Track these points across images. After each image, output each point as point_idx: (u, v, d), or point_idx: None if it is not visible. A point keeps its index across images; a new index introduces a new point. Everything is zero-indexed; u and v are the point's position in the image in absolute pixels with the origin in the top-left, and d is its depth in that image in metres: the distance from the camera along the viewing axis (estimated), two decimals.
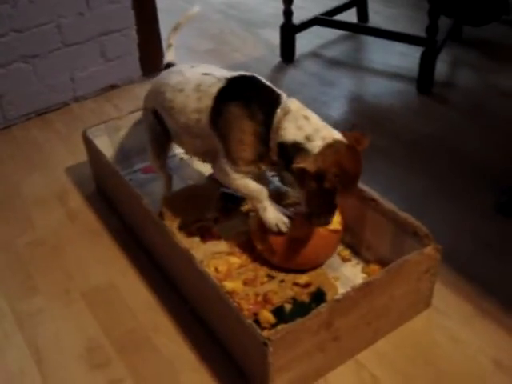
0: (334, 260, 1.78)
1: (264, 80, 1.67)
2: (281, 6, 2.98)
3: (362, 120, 2.58)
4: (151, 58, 2.94)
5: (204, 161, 1.91)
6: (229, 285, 1.65)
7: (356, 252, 1.81)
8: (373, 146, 1.60)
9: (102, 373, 1.54)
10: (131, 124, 2.21)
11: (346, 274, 1.74)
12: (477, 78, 2.86)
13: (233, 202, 1.95)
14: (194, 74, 1.75)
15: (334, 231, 1.70)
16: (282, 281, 1.70)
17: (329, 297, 1.64)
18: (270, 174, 1.92)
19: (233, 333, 1.49)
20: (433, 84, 2.71)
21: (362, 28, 3.25)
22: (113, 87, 2.88)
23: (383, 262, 1.67)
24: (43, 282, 1.83)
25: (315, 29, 3.15)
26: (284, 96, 1.62)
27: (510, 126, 2.43)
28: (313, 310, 1.37)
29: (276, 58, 3.12)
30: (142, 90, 2.78)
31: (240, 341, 1.46)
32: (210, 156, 1.75)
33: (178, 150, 2.25)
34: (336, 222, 1.68)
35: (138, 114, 2.19)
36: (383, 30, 2.99)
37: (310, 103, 1.62)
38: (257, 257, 1.77)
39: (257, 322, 1.54)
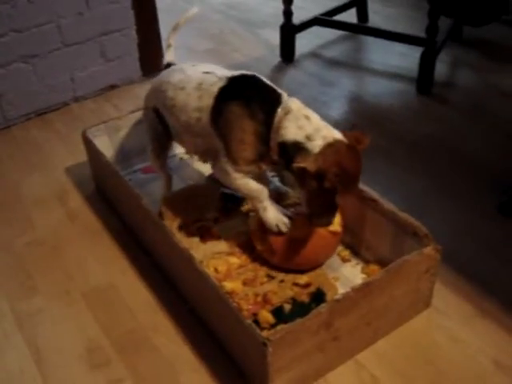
0: (334, 260, 1.78)
1: (265, 79, 1.67)
2: (281, 6, 2.98)
3: (361, 120, 2.58)
4: (151, 58, 2.94)
5: (204, 161, 1.91)
6: (228, 285, 1.65)
7: (356, 252, 1.81)
8: (373, 146, 1.60)
9: (101, 373, 1.54)
10: (131, 124, 2.21)
11: (346, 275, 1.74)
12: (477, 78, 2.86)
13: (233, 202, 1.95)
14: (196, 72, 1.75)
15: (334, 232, 1.69)
16: (282, 281, 1.70)
17: (328, 297, 1.64)
18: (270, 174, 1.92)
19: (232, 333, 1.49)
20: (433, 84, 2.71)
21: (361, 28, 3.26)
22: (113, 87, 2.88)
23: (383, 263, 1.66)
24: (43, 282, 1.83)
25: (315, 29, 3.15)
26: (285, 95, 1.62)
27: (510, 126, 2.43)
28: (312, 310, 1.37)
29: (276, 58, 3.12)
30: (141, 90, 2.78)
31: (239, 341, 1.46)
32: (211, 155, 1.75)
33: (177, 150, 2.25)
34: (336, 223, 1.68)
35: (138, 114, 2.19)
36: (383, 30, 3.00)
37: (309, 103, 1.62)
38: (256, 257, 1.77)
39: (256, 322, 1.54)
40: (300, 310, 1.59)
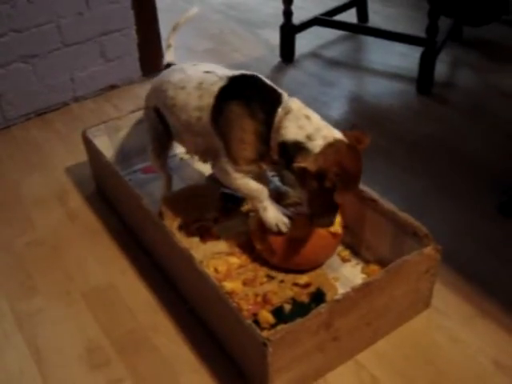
0: (334, 260, 1.78)
1: (265, 79, 1.67)
2: (280, 6, 2.98)
3: (361, 120, 2.58)
4: (151, 58, 2.94)
5: (204, 160, 1.91)
6: (228, 285, 1.65)
7: (356, 252, 1.81)
8: (373, 146, 1.60)
9: (101, 373, 1.54)
10: (131, 124, 2.21)
11: (346, 275, 1.74)
12: (477, 78, 2.86)
13: (233, 202, 1.95)
14: (196, 72, 1.75)
15: (335, 234, 1.69)
16: (282, 281, 1.70)
17: (328, 297, 1.64)
18: (270, 173, 1.92)
19: (232, 333, 1.49)
20: (433, 84, 2.71)
21: (361, 28, 3.25)
22: (112, 87, 2.88)
23: (383, 263, 1.67)
24: (43, 282, 1.83)
25: (315, 29, 3.15)
26: (285, 95, 1.62)
27: (510, 127, 2.43)
28: (312, 311, 1.37)
29: (276, 58, 3.12)
30: (141, 90, 2.78)
31: (239, 341, 1.46)
32: (211, 155, 1.74)
33: (178, 150, 2.25)
34: (337, 224, 1.68)
35: (138, 114, 2.19)
36: (383, 30, 2.99)
37: (309, 103, 1.62)
38: (256, 257, 1.77)
39: (256, 322, 1.54)
40: (300, 310, 1.59)
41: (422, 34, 2.64)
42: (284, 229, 1.66)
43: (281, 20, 3.02)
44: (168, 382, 1.51)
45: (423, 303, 1.64)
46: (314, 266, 1.74)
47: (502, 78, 2.81)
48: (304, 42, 3.18)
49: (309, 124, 1.54)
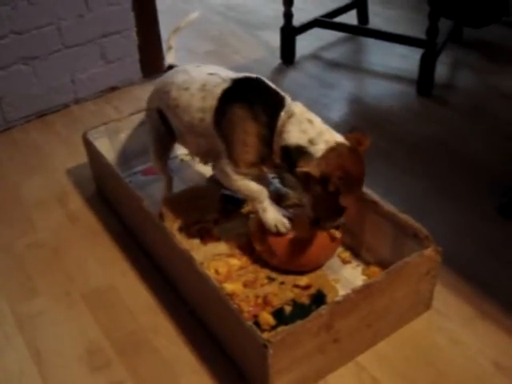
0: (334, 262, 1.78)
1: (269, 82, 1.66)
2: (281, 8, 2.98)
3: (362, 122, 2.58)
4: (151, 60, 2.94)
5: (205, 162, 1.91)
6: (229, 287, 1.65)
7: (356, 254, 1.81)
8: (373, 148, 1.60)
9: (102, 375, 1.54)
10: (131, 126, 2.21)
11: (346, 276, 1.74)
12: (477, 79, 2.87)
13: (233, 204, 1.95)
14: (200, 73, 1.75)
15: (333, 238, 1.70)
16: (282, 283, 1.70)
17: (329, 299, 1.64)
18: (270, 175, 1.92)
19: (233, 335, 1.49)
20: (433, 86, 2.71)
21: (362, 30, 3.26)
22: (113, 89, 2.88)
23: (383, 264, 1.67)
24: (43, 283, 1.83)
25: (315, 31, 3.15)
26: (288, 99, 1.62)
27: (510, 128, 2.43)
28: (313, 312, 1.37)
29: (276, 59, 3.12)
30: (142, 91, 2.78)
31: (240, 343, 1.46)
32: (213, 156, 1.74)
33: (178, 152, 2.25)
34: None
35: (139, 116, 2.19)
36: (383, 31, 2.99)
37: (310, 105, 1.62)
38: (257, 259, 1.77)
39: (257, 323, 1.54)
40: (300, 311, 1.58)
41: (423, 36, 2.64)
42: (283, 230, 1.66)
43: (281, 22, 3.02)
44: None
45: (424, 305, 1.64)
46: (315, 267, 1.74)
47: (502, 80, 2.81)
48: (304, 44, 3.18)
49: (311, 128, 1.54)
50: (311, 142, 1.52)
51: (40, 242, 1.99)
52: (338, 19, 3.21)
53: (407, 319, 1.61)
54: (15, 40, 2.49)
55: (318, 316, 1.37)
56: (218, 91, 1.65)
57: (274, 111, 1.57)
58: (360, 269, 1.77)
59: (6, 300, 1.78)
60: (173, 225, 1.84)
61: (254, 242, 1.75)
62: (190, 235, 1.84)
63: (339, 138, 1.54)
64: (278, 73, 3.04)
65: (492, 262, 1.80)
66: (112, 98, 2.84)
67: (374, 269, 1.72)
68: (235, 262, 1.76)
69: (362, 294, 1.43)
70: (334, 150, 1.50)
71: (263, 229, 1.69)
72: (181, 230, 1.85)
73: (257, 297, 1.65)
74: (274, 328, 1.55)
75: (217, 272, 1.72)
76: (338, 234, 1.69)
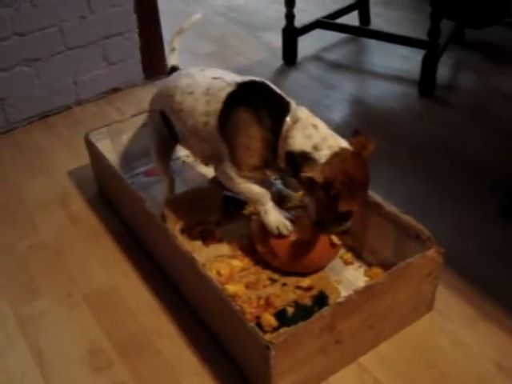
0: (337, 263, 1.78)
1: (274, 86, 1.66)
2: (283, 9, 2.98)
3: (363, 123, 2.58)
4: (153, 61, 2.95)
5: (206, 163, 1.91)
6: (231, 288, 1.65)
7: (358, 255, 1.81)
8: (375, 149, 1.60)
9: (103, 376, 1.54)
10: (133, 127, 2.21)
11: (349, 277, 1.74)
12: (479, 80, 2.87)
13: (235, 205, 1.95)
14: (204, 77, 1.75)
15: (333, 245, 1.70)
16: (285, 284, 1.70)
17: (331, 300, 1.64)
18: (272, 176, 1.92)
19: (235, 336, 1.49)
20: (435, 87, 2.71)
21: (363, 31, 3.26)
22: (115, 90, 2.88)
23: (385, 265, 1.67)
24: (45, 285, 1.83)
25: (317, 32, 3.15)
26: (293, 104, 1.62)
27: (511, 129, 2.43)
28: (315, 314, 1.37)
29: (278, 61, 3.12)
30: (144, 93, 2.79)
31: (242, 344, 1.46)
32: (216, 159, 1.74)
33: (180, 153, 2.25)
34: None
35: (141, 118, 2.20)
36: (385, 32, 2.99)
37: (312, 106, 1.62)
38: (259, 260, 1.77)
39: (259, 325, 1.54)
40: (303, 313, 1.58)
41: (424, 37, 2.64)
42: (285, 232, 1.67)
43: (283, 23, 3.02)
44: None
45: (426, 306, 1.64)
46: (317, 268, 1.74)
47: (503, 81, 2.81)
48: (306, 45, 3.18)
49: (316, 133, 1.54)
50: (315, 147, 1.52)
51: (42, 243, 1.99)
52: (340, 20, 3.21)
53: (409, 320, 1.61)
54: (18, 42, 2.49)
55: (320, 317, 1.37)
56: (223, 95, 1.64)
57: (279, 116, 1.57)
58: (362, 270, 1.76)
59: (8, 301, 1.78)
60: (175, 226, 1.84)
61: (256, 244, 1.75)
62: (192, 236, 1.85)
63: (343, 143, 1.54)
64: (280, 74, 3.04)
65: (494, 263, 1.80)
66: (114, 99, 2.84)
67: (376, 270, 1.72)
68: (237, 263, 1.76)
69: (364, 295, 1.43)
70: (337, 155, 1.50)
71: (265, 231, 1.69)
72: (183, 231, 1.85)
73: (259, 298, 1.65)
74: (276, 329, 1.55)
75: (219, 273, 1.72)
76: (336, 240, 1.69)
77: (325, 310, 1.38)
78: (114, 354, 1.59)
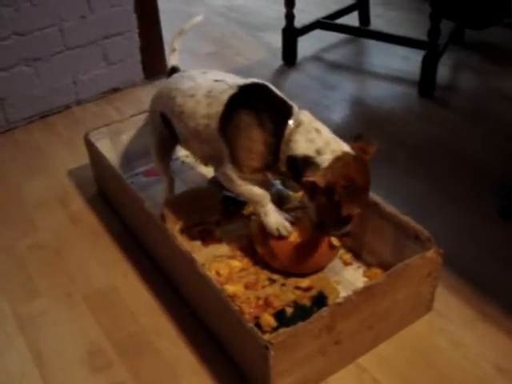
0: (336, 263, 1.78)
1: (276, 89, 1.66)
2: (283, 10, 2.98)
3: (363, 124, 2.58)
4: (153, 61, 2.95)
5: (206, 164, 1.91)
6: (230, 288, 1.65)
7: (357, 256, 1.81)
8: (374, 153, 1.60)
9: (103, 376, 1.54)
10: (133, 127, 2.21)
11: (348, 278, 1.74)
12: (479, 81, 2.87)
13: (235, 205, 1.95)
14: (206, 80, 1.74)
15: (332, 246, 1.70)
16: (284, 284, 1.70)
17: (330, 300, 1.64)
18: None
19: (234, 336, 1.49)
20: (435, 87, 2.71)
21: (363, 31, 3.26)
22: (115, 90, 2.88)
23: (385, 266, 1.67)
24: (45, 284, 1.83)
25: (317, 32, 3.15)
26: (295, 107, 1.62)
27: (511, 130, 2.43)
28: (314, 314, 1.37)
29: (278, 61, 3.12)
30: (144, 93, 2.79)
31: (241, 344, 1.46)
32: (216, 160, 1.74)
33: (180, 153, 2.25)
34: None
35: (140, 118, 2.20)
36: (385, 33, 2.99)
37: (311, 107, 1.63)
38: (258, 260, 1.77)
39: (258, 325, 1.54)
40: (302, 313, 1.58)
41: (424, 38, 2.64)
42: (285, 233, 1.67)
43: (283, 23, 3.02)
44: None
45: (425, 307, 1.64)
46: (316, 269, 1.74)
47: (504, 82, 2.81)
48: (306, 45, 3.18)
49: (318, 138, 1.54)
50: (318, 152, 1.52)
51: (41, 242, 1.99)
52: (340, 21, 3.22)
53: (408, 321, 1.61)
54: (17, 41, 2.49)
55: (320, 318, 1.37)
56: (225, 97, 1.64)
57: (281, 119, 1.57)
58: (361, 270, 1.77)
59: (8, 301, 1.78)
60: (174, 226, 1.84)
61: (255, 245, 1.75)
62: (192, 237, 1.85)
63: (346, 147, 1.54)
64: (280, 74, 3.04)
65: (493, 264, 1.80)
66: (114, 99, 2.84)
67: (376, 270, 1.72)
68: (236, 263, 1.76)
69: (364, 295, 1.43)
70: (339, 159, 1.50)
71: (265, 232, 1.69)
72: (182, 231, 1.85)
73: (258, 298, 1.65)
74: (275, 330, 1.55)
75: (218, 273, 1.72)
76: (336, 242, 1.69)
77: (324, 311, 1.38)
78: (113, 353, 1.59)
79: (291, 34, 3.03)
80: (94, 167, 2.18)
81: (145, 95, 2.75)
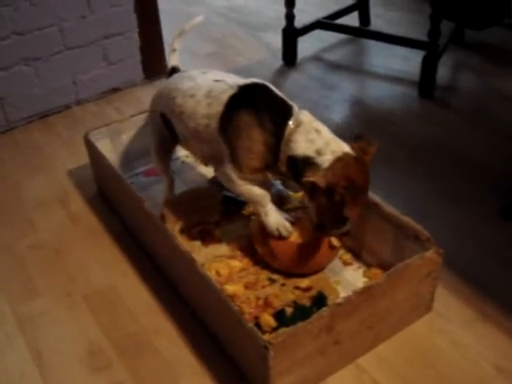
0: (336, 264, 1.78)
1: (276, 89, 1.66)
2: (283, 10, 2.98)
3: (363, 124, 2.58)
4: (153, 61, 2.95)
5: (206, 164, 1.91)
6: (230, 288, 1.65)
7: (357, 256, 1.81)
8: (374, 153, 1.60)
9: (102, 375, 1.54)
10: (133, 127, 2.21)
11: (348, 278, 1.74)
12: (479, 81, 2.87)
13: (235, 205, 1.95)
14: (206, 80, 1.74)
15: (332, 247, 1.70)
16: (283, 284, 1.70)
17: (330, 301, 1.64)
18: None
19: (234, 336, 1.49)
20: (434, 88, 2.71)
21: (363, 32, 3.26)
22: (115, 90, 2.88)
23: (384, 266, 1.67)
24: (44, 284, 1.83)
25: (317, 32, 3.15)
26: (295, 107, 1.62)
27: (511, 130, 2.43)
28: (314, 314, 1.37)
29: (278, 61, 3.12)
30: (143, 93, 2.79)
31: (241, 344, 1.46)
32: (216, 160, 1.74)
33: (180, 153, 2.25)
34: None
35: (140, 118, 2.20)
36: (385, 33, 2.99)
37: (311, 107, 1.63)
38: (258, 260, 1.77)
39: (258, 325, 1.54)
40: (301, 313, 1.58)
41: (424, 38, 2.65)
42: (285, 233, 1.67)
43: (283, 23, 3.02)
44: None
45: (425, 307, 1.64)
46: (316, 270, 1.74)
47: (504, 82, 2.81)
48: (306, 46, 3.18)
49: (318, 138, 1.54)
50: (318, 152, 1.52)
51: (41, 242, 1.99)
52: (340, 21, 3.22)
53: (408, 321, 1.61)
54: (17, 41, 2.49)
55: (319, 318, 1.37)
56: (225, 97, 1.64)
57: (282, 119, 1.57)
58: (361, 271, 1.76)
59: (7, 301, 1.78)
60: (174, 226, 1.84)
61: (255, 245, 1.75)
62: (192, 237, 1.85)
63: (346, 147, 1.54)
64: (280, 74, 3.04)
65: (493, 264, 1.80)
66: (114, 99, 2.84)
67: (375, 271, 1.72)
68: (236, 263, 1.76)
69: (363, 295, 1.43)
70: (340, 160, 1.50)
71: (265, 232, 1.69)
72: (182, 231, 1.85)
73: (258, 298, 1.65)
74: (274, 330, 1.55)
75: (218, 273, 1.72)
76: (336, 242, 1.69)
77: (323, 311, 1.38)
78: (113, 353, 1.59)
79: (291, 34, 3.03)
80: (94, 167, 2.18)
81: (145, 95, 2.75)
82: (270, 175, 1.66)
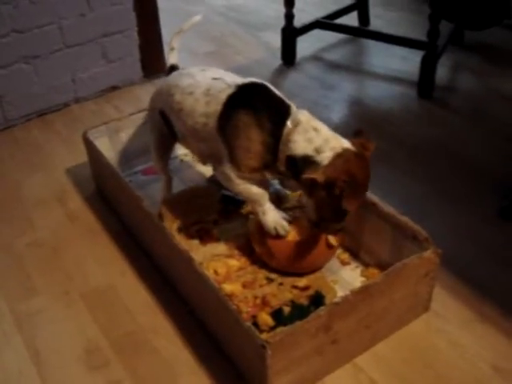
0: (333, 263, 1.78)
1: (274, 89, 1.66)
2: (282, 9, 2.98)
3: (362, 124, 2.58)
4: (152, 60, 2.94)
5: (204, 163, 1.91)
6: (228, 287, 1.65)
7: (355, 255, 1.81)
8: (373, 150, 1.60)
9: (100, 374, 1.54)
10: (132, 125, 2.21)
11: (345, 278, 1.74)
12: (478, 82, 2.87)
13: (233, 204, 1.95)
14: (205, 78, 1.74)
15: (330, 246, 1.70)
16: (281, 283, 1.70)
17: (327, 300, 1.64)
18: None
19: (231, 335, 1.49)
20: (433, 88, 2.71)
21: (363, 32, 3.26)
22: (114, 88, 2.88)
23: (382, 266, 1.66)
24: (42, 282, 1.83)
25: (316, 32, 3.15)
26: (293, 107, 1.61)
27: (510, 130, 2.43)
28: (312, 313, 1.37)
29: (277, 60, 3.12)
30: (142, 91, 2.79)
31: (239, 343, 1.46)
32: (214, 159, 1.74)
33: (178, 152, 2.25)
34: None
35: (139, 116, 2.19)
36: (384, 33, 2.99)
37: (310, 106, 1.63)
38: (256, 259, 1.77)
39: (255, 324, 1.54)
40: (299, 312, 1.58)
41: (423, 38, 2.65)
42: (283, 233, 1.66)
43: (282, 23, 3.02)
44: None
45: (422, 307, 1.64)
46: (314, 269, 1.74)
47: (502, 82, 2.81)
48: (305, 45, 3.18)
49: (317, 136, 1.53)
50: (317, 150, 1.51)
51: (39, 241, 1.99)
52: (339, 21, 3.22)
53: (406, 321, 1.61)
54: (16, 39, 2.49)
55: (317, 317, 1.37)
56: (223, 96, 1.64)
57: (280, 119, 1.56)
58: (359, 270, 1.77)
59: (5, 299, 1.78)
60: (172, 225, 1.84)
61: (253, 244, 1.75)
62: (190, 235, 1.84)
63: (346, 143, 1.54)
64: (279, 74, 3.04)
65: (491, 265, 1.80)
66: (112, 97, 2.84)
67: (373, 270, 1.72)
68: (234, 262, 1.76)
69: (361, 295, 1.44)
70: (340, 156, 1.50)
71: (263, 231, 1.69)
72: (180, 230, 1.85)
73: (255, 297, 1.65)
74: (272, 329, 1.54)
75: (216, 272, 1.72)
76: (334, 241, 1.69)
77: (321, 310, 1.38)
78: (110, 352, 1.59)
79: (290, 34, 3.03)
80: (93, 165, 2.17)
81: (144, 93, 2.75)
82: (268, 175, 1.66)
